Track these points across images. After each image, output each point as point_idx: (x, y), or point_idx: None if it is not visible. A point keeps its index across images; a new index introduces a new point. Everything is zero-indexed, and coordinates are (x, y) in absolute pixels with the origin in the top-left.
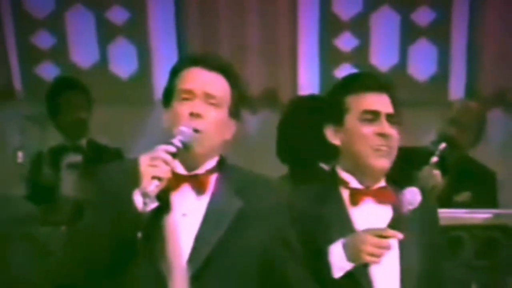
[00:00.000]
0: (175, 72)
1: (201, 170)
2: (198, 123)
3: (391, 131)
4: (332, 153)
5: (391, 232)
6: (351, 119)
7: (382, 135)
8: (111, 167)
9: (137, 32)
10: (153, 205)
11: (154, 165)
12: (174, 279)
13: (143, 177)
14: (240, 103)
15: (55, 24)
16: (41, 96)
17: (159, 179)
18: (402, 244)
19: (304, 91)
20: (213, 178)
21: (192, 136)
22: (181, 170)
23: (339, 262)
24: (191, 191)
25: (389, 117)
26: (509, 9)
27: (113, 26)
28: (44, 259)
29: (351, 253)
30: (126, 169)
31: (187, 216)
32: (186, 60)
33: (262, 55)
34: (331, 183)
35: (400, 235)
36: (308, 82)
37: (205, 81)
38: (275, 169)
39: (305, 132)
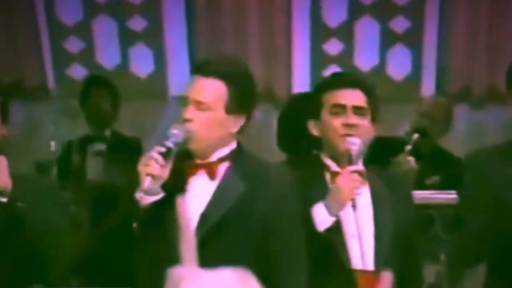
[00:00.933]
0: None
1: (213, 159)
2: (188, 126)
3: (357, 121)
4: (318, 143)
5: (355, 167)
6: (325, 113)
7: (347, 125)
8: None
9: (153, 38)
10: (156, 197)
11: (148, 164)
12: (185, 245)
13: (140, 175)
14: (240, 99)
15: (83, 31)
16: (71, 93)
17: (153, 176)
18: (377, 216)
19: (297, 89)
20: (224, 165)
21: (185, 136)
22: (199, 161)
23: (321, 217)
24: (206, 176)
25: (356, 110)
26: (473, 20)
27: (133, 33)
28: (74, 231)
29: (334, 200)
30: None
31: (199, 196)
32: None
33: (261, 58)
34: (319, 168)
35: (361, 167)
36: (301, 81)
37: (196, 90)
38: (273, 156)
39: (300, 125)
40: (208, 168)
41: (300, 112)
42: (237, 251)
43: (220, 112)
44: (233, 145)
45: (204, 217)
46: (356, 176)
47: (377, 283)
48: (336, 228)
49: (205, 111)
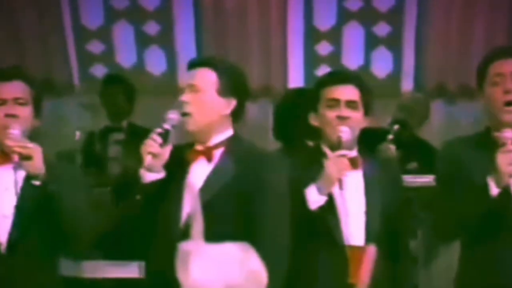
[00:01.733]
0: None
1: (210, 143)
2: (184, 108)
3: (350, 114)
4: (316, 133)
5: (342, 152)
6: (322, 107)
7: (340, 117)
8: None
9: (166, 40)
10: (157, 175)
11: (148, 144)
12: (192, 221)
13: (144, 155)
14: (230, 83)
15: (104, 34)
16: (93, 90)
17: (152, 154)
18: (368, 196)
19: (292, 85)
20: (219, 150)
21: (181, 119)
22: (199, 147)
23: (313, 197)
24: (205, 160)
25: (349, 103)
26: (447, 25)
27: (148, 36)
28: (96, 211)
29: (323, 181)
30: None
31: (198, 177)
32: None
33: (260, 57)
34: (316, 155)
35: (351, 153)
36: (295, 78)
37: (189, 77)
38: (270, 144)
39: (294, 117)
40: (205, 152)
41: (294, 105)
42: (228, 227)
43: (212, 94)
44: (229, 132)
45: (201, 192)
46: (343, 160)
47: (365, 257)
48: (328, 207)
49: (198, 92)
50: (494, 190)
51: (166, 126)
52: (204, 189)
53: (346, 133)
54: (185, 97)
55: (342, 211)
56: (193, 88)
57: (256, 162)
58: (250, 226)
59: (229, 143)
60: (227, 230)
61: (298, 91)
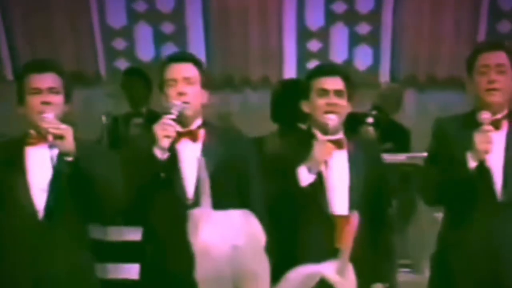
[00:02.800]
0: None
1: (193, 127)
2: (185, 98)
3: (337, 101)
4: (307, 117)
5: (328, 137)
6: (313, 95)
7: (329, 104)
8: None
9: (180, 38)
10: (166, 154)
11: (164, 129)
12: (201, 191)
13: (158, 138)
14: (206, 80)
15: (127, 33)
16: (117, 80)
17: (168, 137)
18: (352, 172)
19: (287, 77)
20: (201, 131)
21: (183, 106)
22: (179, 128)
23: (303, 175)
24: (189, 141)
25: (336, 92)
26: (418, 26)
27: (164, 35)
28: (120, 183)
29: (311, 162)
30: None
31: (190, 154)
32: (168, 59)
33: (260, 54)
34: (308, 137)
35: (337, 136)
36: (289, 72)
37: (181, 71)
38: (268, 127)
39: (288, 104)
40: (190, 135)
41: (289, 94)
42: (227, 195)
43: (199, 86)
44: (201, 118)
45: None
46: (329, 144)
47: (349, 223)
48: (317, 183)
49: (193, 84)
50: (472, 164)
51: (175, 112)
52: (206, 164)
53: (333, 120)
54: (183, 89)
55: (329, 186)
56: (189, 80)
57: (236, 140)
58: (241, 191)
59: (206, 126)
60: (227, 197)
61: (292, 82)
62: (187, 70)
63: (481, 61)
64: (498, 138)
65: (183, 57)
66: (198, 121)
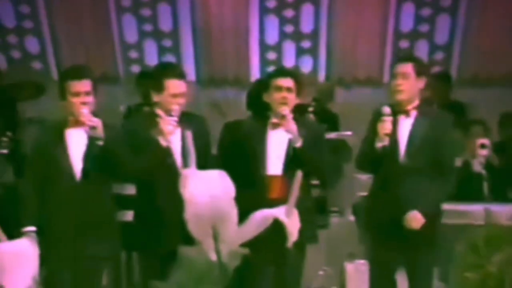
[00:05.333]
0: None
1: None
2: (180, 103)
3: (288, 95)
4: (269, 106)
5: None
6: (271, 91)
7: (283, 97)
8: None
9: (176, 51)
10: (167, 143)
11: (170, 126)
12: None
13: (164, 132)
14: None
15: (138, 46)
16: (132, 80)
17: (170, 132)
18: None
19: (253, 77)
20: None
21: (179, 110)
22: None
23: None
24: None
25: (288, 89)
26: (345, 42)
27: (165, 48)
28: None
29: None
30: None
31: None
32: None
33: (234, 61)
34: (265, 120)
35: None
36: (255, 74)
37: (180, 87)
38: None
39: (257, 97)
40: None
41: (256, 90)
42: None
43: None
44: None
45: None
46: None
47: (284, 183)
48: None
49: (184, 97)
50: (379, 144)
51: (175, 114)
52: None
53: (285, 110)
54: (181, 100)
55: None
56: (184, 95)
57: (201, 123)
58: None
59: (183, 115)
60: (203, 160)
61: (258, 81)
62: (181, 85)
63: (394, 69)
64: (408, 122)
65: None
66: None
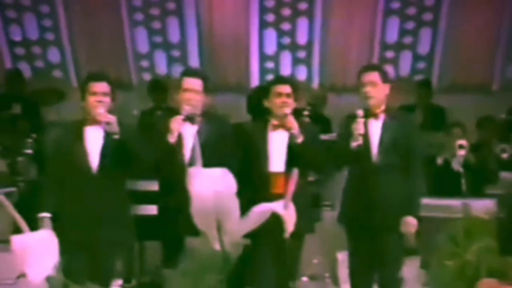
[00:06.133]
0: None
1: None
2: (192, 103)
3: (288, 100)
4: (268, 111)
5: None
6: (272, 96)
7: (283, 102)
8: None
9: (184, 61)
10: (175, 139)
11: (178, 123)
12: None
13: (172, 129)
14: (208, 88)
15: (150, 56)
16: (144, 87)
17: (178, 130)
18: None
19: (253, 84)
20: (199, 119)
21: (192, 110)
22: (184, 123)
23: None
24: (189, 124)
25: (287, 95)
26: (338, 53)
27: (173, 58)
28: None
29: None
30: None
31: (189, 133)
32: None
33: (235, 70)
34: (265, 122)
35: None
36: (255, 81)
37: (191, 84)
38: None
39: (257, 102)
40: (191, 120)
41: (256, 95)
42: (212, 158)
43: (202, 94)
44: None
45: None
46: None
47: (287, 179)
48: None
49: (199, 94)
50: (353, 144)
51: (185, 114)
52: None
53: (287, 110)
54: (192, 96)
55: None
56: (197, 92)
57: (217, 124)
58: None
59: (204, 115)
60: (211, 161)
61: (257, 89)
62: (195, 83)
63: (362, 78)
64: (377, 124)
65: (194, 73)
66: (198, 112)
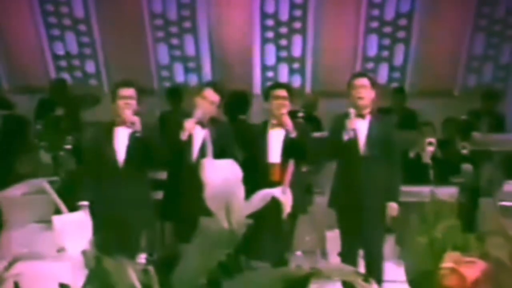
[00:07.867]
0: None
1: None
2: (204, 109)
3: (285, 103)
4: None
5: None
6: (271, 99)
7: (281, 104)
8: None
9: (199, 72)
10: (186, 137)
11: (190, 126)
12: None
13: (186, 129)
14: (222, 99)
15: (169, 67)
16: (164, 93)
17: (190, 129)
18: (287, 141)
19: (255, 90)
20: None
21: (202, 115)
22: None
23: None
24: (199, 127)
25: (283, 97)
26: (331, 63)
27: (190, 69)
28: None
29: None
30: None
31: (200, 134)
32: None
33: (241, 78)
34: (266, 123)
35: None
36: (257, 87)
37: (210, 95)
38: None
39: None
40: (202, 124)
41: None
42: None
43: (216, 106)
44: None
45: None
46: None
47: (284, 169)
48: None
49: (214, 105)
50: (345, 137)
51: (197, 117)
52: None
53: (284, 110)
54: (206, 105)
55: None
56: (213, 103)
57: (223, 127)
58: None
59: (211, 119)
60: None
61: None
62: (211, 94)
63: (354, 83)
64: (364, 123)
65: (212, 85)
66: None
